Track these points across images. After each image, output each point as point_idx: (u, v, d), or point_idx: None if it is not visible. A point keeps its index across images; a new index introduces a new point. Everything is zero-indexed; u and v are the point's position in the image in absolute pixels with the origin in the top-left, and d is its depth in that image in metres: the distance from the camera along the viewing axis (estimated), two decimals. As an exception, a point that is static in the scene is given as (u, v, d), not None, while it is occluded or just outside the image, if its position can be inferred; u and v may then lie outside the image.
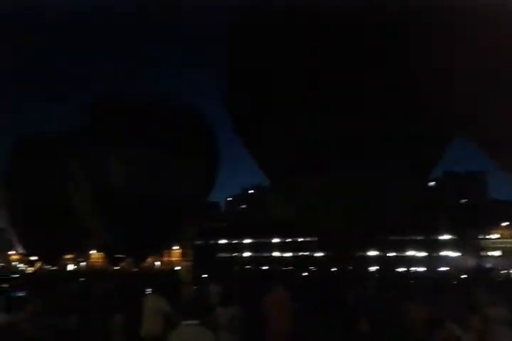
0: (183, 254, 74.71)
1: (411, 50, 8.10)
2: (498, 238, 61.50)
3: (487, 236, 61.70)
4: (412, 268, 53.95)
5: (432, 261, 56.80)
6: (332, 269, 28.39)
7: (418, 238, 60.66)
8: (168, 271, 47.97)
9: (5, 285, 15.91)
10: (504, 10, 7.86)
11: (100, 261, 72.33)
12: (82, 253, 71.75)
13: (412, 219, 39.04)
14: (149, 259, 38.82)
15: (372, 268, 45.26)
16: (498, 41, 7.90)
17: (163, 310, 8.21)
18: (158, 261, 72.18)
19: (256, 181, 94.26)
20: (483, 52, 7.99)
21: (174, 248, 72.76)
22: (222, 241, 73.27)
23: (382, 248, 58.17)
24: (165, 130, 13.88)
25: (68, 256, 58.44)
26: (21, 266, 66.03)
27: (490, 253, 60.33)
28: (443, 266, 51.10)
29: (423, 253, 60.77)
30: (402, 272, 47.87)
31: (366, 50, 8.40)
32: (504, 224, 61.15)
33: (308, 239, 60.45)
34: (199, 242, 71.12)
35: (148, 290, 9.63)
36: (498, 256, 59.59)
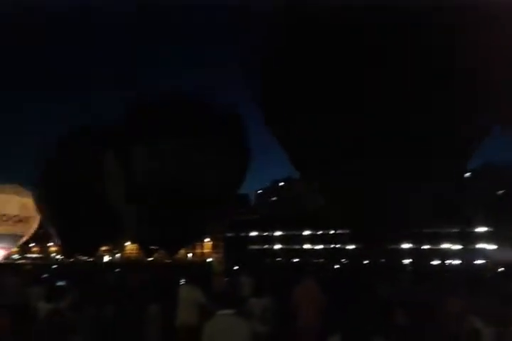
0: (215, 246, 75.68)
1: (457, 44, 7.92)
2: (537, 230, 59.37)
3: (525, 229, 59.65)
4: (448, 261, 52.75)
5: (467, 254, 55.43)
6: (364, 262, 28.09)
7: (453, 230, 59.36)
8: (200, 263, 48.70)
9: (45, 275, 16.50)
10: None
11: (135, 252, 74.21)
12: (117, 245, 73.78)
13: (447, 211, 38.13)
14: (182, 251, 39.44)
15: (406, 261, 44.57)
16: None
17: (198, 301, 8.31)
18: (190, 252, 73.43)
19: (286, 174, 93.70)
20: None
21: (206, 240, 73.80)
22: (253, 234, 73.71)
23: (417, 240, 57.18)
24: (198, 123, 13.88)
25: (104, 248, 60.12)
26: (59, 257, 68.52)
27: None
28: (479, 259, 49.71)
29: (458, 246, 59.48)
30: (437, 265, 46.89)
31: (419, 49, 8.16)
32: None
33: (339, 232, 59.97)
34: (230, 234, 71.76)
35: (182, 281, 9.76)
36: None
